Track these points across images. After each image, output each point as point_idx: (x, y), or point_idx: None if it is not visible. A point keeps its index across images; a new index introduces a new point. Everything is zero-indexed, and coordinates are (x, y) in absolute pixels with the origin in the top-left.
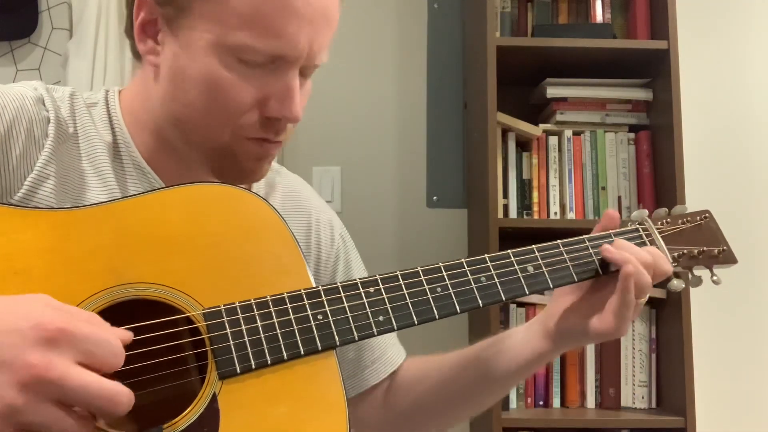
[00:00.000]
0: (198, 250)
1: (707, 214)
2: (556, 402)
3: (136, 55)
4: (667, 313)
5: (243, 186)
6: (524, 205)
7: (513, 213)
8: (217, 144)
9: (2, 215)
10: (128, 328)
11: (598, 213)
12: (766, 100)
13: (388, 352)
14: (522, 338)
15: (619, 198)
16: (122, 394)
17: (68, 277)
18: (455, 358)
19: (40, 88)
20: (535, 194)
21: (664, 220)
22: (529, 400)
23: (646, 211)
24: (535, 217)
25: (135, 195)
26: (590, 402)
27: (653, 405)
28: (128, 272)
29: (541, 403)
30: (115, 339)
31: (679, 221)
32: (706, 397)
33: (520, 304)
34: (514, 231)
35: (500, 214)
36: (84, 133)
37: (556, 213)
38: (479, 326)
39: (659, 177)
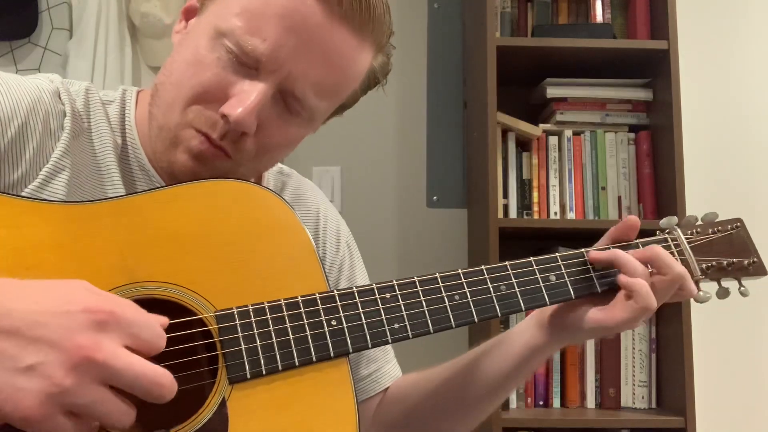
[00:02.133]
0: (212, 249)
1: (739, 223)
2: (556, 402)
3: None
4: (667, 313)
5: (260, 185)
6: (524, 205)
7: (513, 213)
8: (167, 122)
9: (15, 208)
10: None
11: (598, 213)
12: (766, 100)
13: (385, 366)
14: (516, 333)
15: (619, 198)
16: (166, 377)
17: (79, 273)
18: (449, 365)
19: (56, 81)
20: (535, 194)
21: (694, 229)
22: (529, 400)
23: (676, 219)
24: (535, 217)
25: (150, 190)
26: (590, 402)
27: (653, 405)
28: (140, 270)
29: (541, 403)
30: (156, 323)
31: (710, 230)
32: (706, 397)
33: None
34: (514, 231)
35: (500, 214)
36: (97, 130)
37: (556, 213)
38: (480, 327)
39: (659, 177)
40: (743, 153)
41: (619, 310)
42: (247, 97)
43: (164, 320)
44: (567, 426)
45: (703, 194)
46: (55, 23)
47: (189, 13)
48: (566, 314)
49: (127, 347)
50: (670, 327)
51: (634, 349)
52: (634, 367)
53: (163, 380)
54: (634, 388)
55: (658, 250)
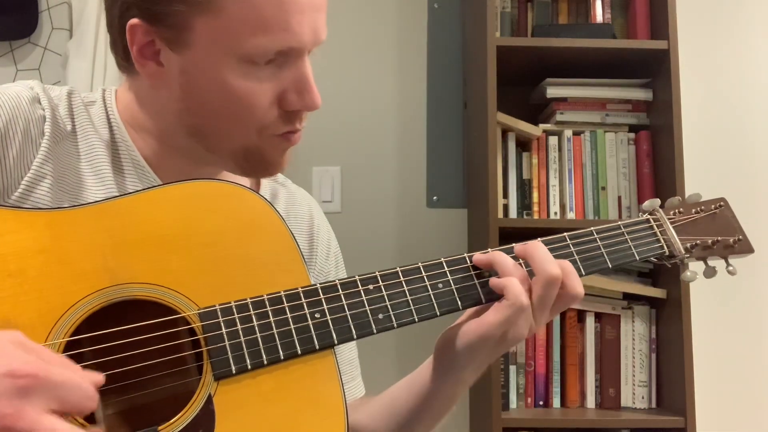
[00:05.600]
0: (194, 249)
1: (722, 203)
2: (556, 402)
3: (121, 68)
4: (667, 313)
5: (240, 183)
6: (524, 205)
7: (513, 213)
8: (244, 145)
9: None
10: (123, 329)
11: (599, 213)
12: (766, 100)
13: (351, 383)
14: (421, 370)
15: (619, 198)
16: None
17: (63, 278)
18: (387, 392)
19: (36, 87)
20: (535, 194)
21: (677, 210)
22: (529, 400)
23: (658, 201)
24: (535, 217)
25: (131, 193)
26: (590, 402)
27: (653, 405)
28: (123, 272)
29: (541, 403)
30: (87, 383)
31: (693, 210)
32: (706, 397)
33: None
34: (514, 231)
35: (500, 214)
36: (82, 132)
37: (556, 213)
38: None
39: (659, 177)
40: (743, 153)
41: (492, 312)
42: (307, 82)
43: (99, 378)
44: (567, 426)
45: (703, 194)
46: (55, 23)
47: (146, 50)
48: (448, 343)
49: (55, 410)
50: (670, 327)
51: (634, 349)
52: (634, 367)
53: None
54: (634, 388)
55: (534, 247)
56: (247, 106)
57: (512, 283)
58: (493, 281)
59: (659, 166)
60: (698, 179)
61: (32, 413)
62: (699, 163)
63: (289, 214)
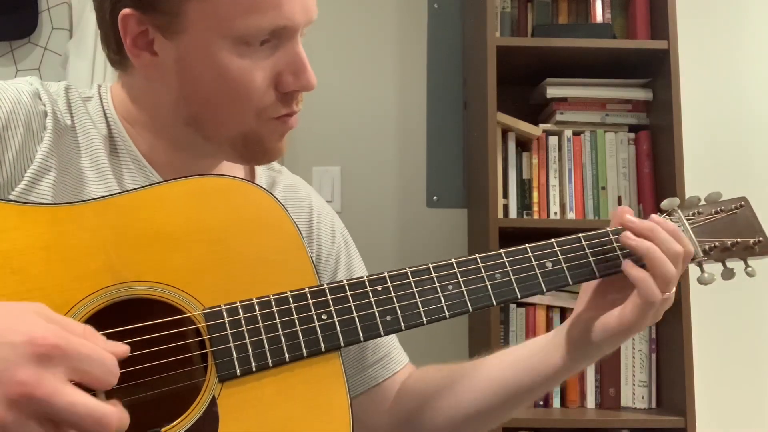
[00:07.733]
0: (199, 247)
1: (743, 202)
2: (556, 402)
3: (114, 64)
4: (667, 313)
5: (246, 179)
6: (524, 205)
7: (513, 213)
8: (242, 131)
9: (0, 211)
10: (127, 329)
11: (598, 213)
12: (765, 100)
13: (393, 352)
14: (539, 351)
15: (619, 198)
16: (111, 416)
17: (65, 276)
18: (471, 365)
19: (35, 83)
20: (535, 194)
21: (696, 210)
22: None
23: (677, 200)
24: (535, 217)
25: (134, 189)
26: (590, 402)
27: (653, 405)
28: (127, 270)
29: (541, 403)
30: (109, 357)
31: (713, 210)
32: (706, 397)
33: (520, 305)
34: (514, 231)
35: (500, 214)
36: (81, 126)
37: (556, 213)
38: (480, 326)
39: (659, 177)
40: (743, 153)
41: (630, 310)
42: (302, 63)
43: (124, 349)
44: (567, 426)
45: (703, 194)
46: (55, 23)
47: (139, 40)
48: (587, 326)
49: (75, 382)
50: (670, 327)
51: (634, 349)
52: (634, 367)
53: (107, 419)
54: (634, 388)
55: (654, 228)
56: (245, 89)
57: (646, 282)
58: (629, 270)
59: (659, 166)
60: (698, 179)
61: (51, 382)
62: (699, 163)
63: (287, 201)
